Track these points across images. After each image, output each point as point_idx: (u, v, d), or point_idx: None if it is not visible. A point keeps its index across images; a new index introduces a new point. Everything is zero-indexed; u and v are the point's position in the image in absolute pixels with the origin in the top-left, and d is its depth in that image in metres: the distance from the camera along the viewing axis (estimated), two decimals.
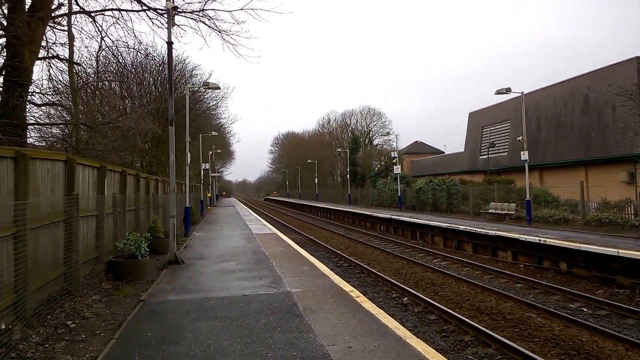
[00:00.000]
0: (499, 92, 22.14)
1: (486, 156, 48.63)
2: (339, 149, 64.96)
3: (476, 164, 50.33)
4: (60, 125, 14.33)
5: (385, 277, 14.48)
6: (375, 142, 67.82)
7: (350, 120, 72.17)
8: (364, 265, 16.73)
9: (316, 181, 65.63)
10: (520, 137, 22.89)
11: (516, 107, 45.28)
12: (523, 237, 16.29)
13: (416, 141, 73.19)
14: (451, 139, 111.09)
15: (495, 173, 45.23)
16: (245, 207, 56.69)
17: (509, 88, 21.72)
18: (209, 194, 49.29)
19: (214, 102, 35.91)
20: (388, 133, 44.13)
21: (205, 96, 34.14)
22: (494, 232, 18.09)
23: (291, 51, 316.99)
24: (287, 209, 63.16)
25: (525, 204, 22.62)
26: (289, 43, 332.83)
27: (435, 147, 77.05)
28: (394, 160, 40.41)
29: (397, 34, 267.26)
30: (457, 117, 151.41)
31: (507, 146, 46.16)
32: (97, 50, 15.95)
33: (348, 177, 52.96)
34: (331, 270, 12.18)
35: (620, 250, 12.49)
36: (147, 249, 10.61)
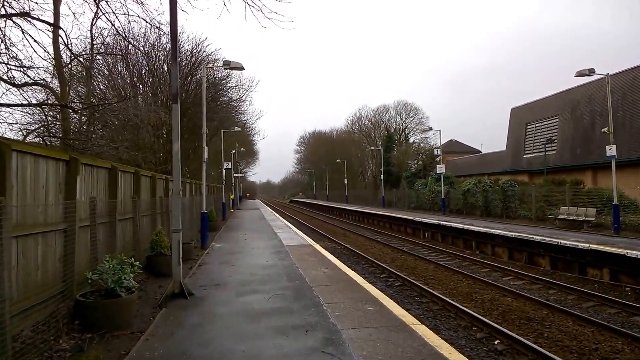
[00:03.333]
0: (580, 74, 18.49)
1: (531, 154, 44.48)
2: (372, 147, 61.17)
3: (520, 164, 46.15)
4: (36, 108, 11.24)
5: (456, 304, 11.03)
6: (411, 140, 63.82)
7: (384, 116, 68.09)
8: (423, 286, 13.27)
9: (345, 182, 62.10)
10: (607, 129, 19.00)
11: (565, 101, 41.23)
12: (633, 253, 12.51)
13: (451, 140, 68.95)
14: (488, 138, 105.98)
15: (539, 173, 41.11)
16: (271, 210, 53.57)
17: (593, 69, 18.01)
18: (232, 196, 46.32)
19: (237, 93, 32.65)
20: (430, 128, 40.10)
21: (228, 85, 30.92)
22: (587, 245, 14.32)
23: (321, 45, 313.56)
24: (315, 212, 59.82)
25: (612, 209, 18.64)
26: (318, 35, 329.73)
27: (471, 146, 72.73)
28: (437, 159, 36.58)
29: (432, 26, 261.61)
30: (494, 115, 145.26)
31: (555, 144, 41.87)
32: (92, 19, 12.80)
33: (382, 177, 49.21)
34: (386, 295, 8.93)
35: None
36: (135, 281, 7.33)
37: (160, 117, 18.54)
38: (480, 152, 67.94)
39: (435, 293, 12.31)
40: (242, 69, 16.19)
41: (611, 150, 18.64)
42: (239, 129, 34.61)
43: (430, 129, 39.79)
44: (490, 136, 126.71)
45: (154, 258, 11.35)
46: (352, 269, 12.20)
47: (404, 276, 14.81)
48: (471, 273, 15.52)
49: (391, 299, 8.77)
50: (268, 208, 58.06)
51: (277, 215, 40.38)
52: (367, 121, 70.89)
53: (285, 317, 7.21)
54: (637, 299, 11.64)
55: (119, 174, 9.97)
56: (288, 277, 10.47)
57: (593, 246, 14.03)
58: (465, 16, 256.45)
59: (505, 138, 50.65)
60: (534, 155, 44.13)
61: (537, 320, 9.95)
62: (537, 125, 45.11)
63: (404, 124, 66.17)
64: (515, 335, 8.62)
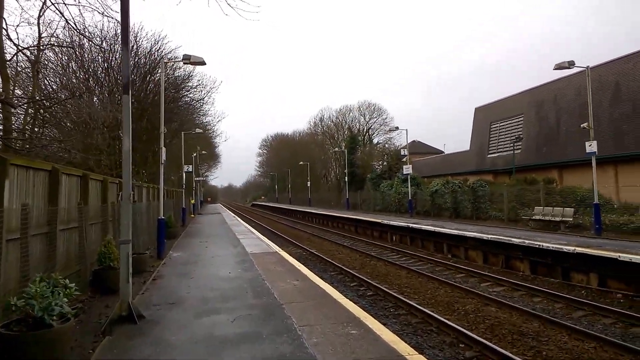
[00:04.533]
0: (559, 67, 18.10)
1: (496, 154, 44.66)
2: (335, 149, 60.17)
3: (484, 163, 46.28)
4: None
5: (438, 316, 10.06)
6: (375, 141, 63.19)
7: (348, 117, 67.22)
8: (398, 296, 12.26)
9: (308, 184, 60.92)
10: (586, 124, 18.60)
11: (530, 100, 41.40)
12: (626, 257, 11.88)
13: (414, 141, 68.80)
14: (450, 138, 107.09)
15: (503, 173, 41.23)
16: (233, 214, 51.75)
17: (572, 61, 17.59)
18: (193, 201, 44.31)
19: (198, 93, 30.98)
20: (397, 128, 39.31)
21: (189, 84, 29.24)
22: (572, 248, 13.66)
23: (282, 49, 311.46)
24: (278, 216, 58.40)
25: (593, 209, 18.07)
26: (279, 39, 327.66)
27: (434, 147, 73.03)
28: (404, 159, 35.90)
29: (391, 28, 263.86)
30: (456, 115, 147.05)
31: (520, 143, 42.10)
32: (39, 9, 11.26)
33: (346, 179, 48.29)
34: (369, 313, 7.84)
35: None
36: (71, 306, 5.89)
37: (116, 117, 16.99)
38: (443, 152, 68.22)
39: (413, 304, 11.32)
40: (203, 63, 14.80)
41: (591, 147, 18.23)
42: (201, 130, 32.97)
43: (397, 128, 39.22)
44: (453, 136, 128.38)
45: (102, 272, 9.87)
46: (323, 280, 11.00)
47: (377, 284, 13.78)
48: (447, 279, 14.70)
49: (375, 318, 7.66)
50: (230, 212, 56.16)
51: (239, 219, 38.77)
52: (330, 122, 70.01)
53: (253, 345, 5.96)
54: (631, 307, 10.96)
55: (62, 177, 8.55)
56: (254, 292, 9.18)
57: (579, 249, 13.38)
58: (429, 19, 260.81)
59: (469, 138, 50.85)
60: (498, 154, 44.28)
61: (531, 335, 9.06)
62: (501, 124, 45.28)
63: (367, 125, 65.61)
64: (512, 356, 7.67)
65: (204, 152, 46.00)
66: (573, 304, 11.36)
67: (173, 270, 12.33)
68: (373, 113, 65.37)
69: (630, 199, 24.04)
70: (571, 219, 20.16)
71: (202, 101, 32.19)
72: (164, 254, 15.25)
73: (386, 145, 57.95)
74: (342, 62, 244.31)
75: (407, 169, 32.38)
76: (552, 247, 14.25)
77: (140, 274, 11.54)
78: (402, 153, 36.61)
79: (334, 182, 67.40)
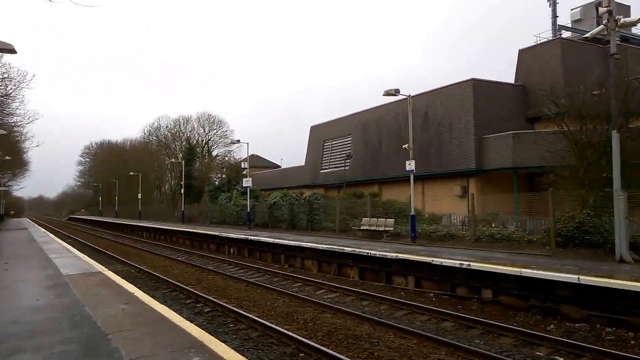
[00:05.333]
0: (387, 94, 19.87)
1: (328, 169, 47.38)
2: (172, 160, 57.23)
3: (318, 178, 48.87)
4: None
5: (278, 327, 10.02)
6: (214, 153, 61.76)
7: (186, 127, 64.44)
8: (237, 310, 11.94)
9: (139, 196, 56.85)
10: (407, 145, 20.61)
11: (357, 122, 45.13)
12: (438, 261, 13.34)
13: (253, 154, 69.21)
14: (287, 153, 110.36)
15: (334, 187, 44.22)
16: (44, 229, 45.42)
17: (398, 89, 19.58)
18: None
19: (3, 88, 26.54)
20: (238, 141, 38.80)
21: None
22: (394, 254, 14.92)
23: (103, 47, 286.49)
24: (102, 231, 53.19)
25: (410, 219, 20.18)
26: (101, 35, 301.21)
27: (271, 161, 74.40)
28: (244, 172, 35.70)
29: (235, 43, 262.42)
30: (293, 132, 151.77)
31: (349, 160, 45.37)
32: None
33: (182, 191, 46.21)
34: (213, 335, 7.33)
35: (581, 277, 10.13)
36: None
37: None
38: (280, 166, 69.91)
39: (253, 317, 11.10)
40: (13, 51, 12.60)
41: (410, 165, 20.27)
42: (4, 132, 28.28)
43: (238, 141, 38.90)
44: (289, 152, 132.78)
45: None
46: (156, 300, 10.10)
47: (215, 299, 13.25)
48: (286, 289, 14.84)
49: (216, 337, 7.20)
50: (40, 228, 49.11)
51: (53, 235, 34.13)
52: (166, 132, 66.53)
53: None
54: (441, 305, 12.31)
55: None
56: (71, 322, 7.79)
57: (400, 255, 14.66)
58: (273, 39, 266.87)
59: (305, 154, 53.17)
60: (330, 170, 47.02)
61: (364, 337, 9.50)
62: (333, 142, 48.36)
63: (207, 137, 63.94)
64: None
65: (8, 157, 39.63)
66: (395, 304, 12.35)
67: None
68: (213, 125, 64.05)
69: (434, 210, 27.67)
70: (392, 229, 22.18)
71: (7, 96, 27.64)
72: None
73: (226, 158, 57.21)
74: (180, 70, 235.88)
75: (247, 182, 32.28)
76: (379, 254, 15.40)
77: None
78: (243, 166, 36.47)
79: (168, 194, 64.06)
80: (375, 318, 10.87)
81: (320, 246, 18.53)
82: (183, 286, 15.47)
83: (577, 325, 9.93)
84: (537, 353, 8.49)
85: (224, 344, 6.55)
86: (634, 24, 14.31)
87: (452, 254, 15.22)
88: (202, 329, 7.50)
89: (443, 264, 13.08)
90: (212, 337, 6.86)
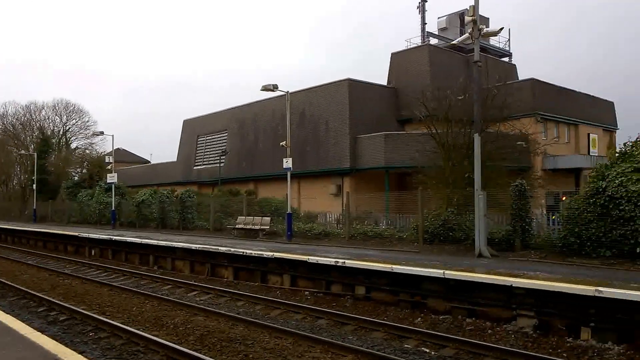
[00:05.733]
0: (265, 89, 19.48)
1: (201, 166, 45.91)
2: (22, 151, 50.50)
3: (191, 175, 47.08)
4: None
5: (145, 334, 9.29)
6: (73, 146, 55.83)
7: (39, 115, 57.14)
8: (98, 317, 10.86)
9: None
10: (285, 142, 20.50)
11: (234, 117, 44.26)
12: (313, 259, 13.46)
13: (119, 148, 64.27)
14: (158, 148, 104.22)
15: (207, 184, 43.07)
16: None
17: (276, 85, 19.31)
18: None
19: None
20: (102, 132, 35.29)
21: None
22: (271, 254, 14.76)
23: None
24: None
25: (286, 218, 20.14)
26: None
27: (140, 156, 69.97)
28: (109, 167, 32.85)
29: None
30: (165, 126, 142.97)
31: (225, 156, 44.38)
32: None
33: (34, 186, 41.18)
34: (61, 342, 6.52)
35: (446, 272, 10.89)
36: None
37: None
38: (149, 162, 66.19)
39: (116, 323, 10.16)
40: None
41: (287, 163, 20.23)
42: None
43: (102, 133, 35.53)
44: (160, 147, 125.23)
45: None
46: (1, 310, 8.75)
47: (72, 306, 11.91)
48: (155, 292, 13.97)
49: (76, 351, 6.38)
50: None
51: None
52: (14, 120, 58.63)
53: None
54: (316, 302, 12.40)
55: None
56: None
57: (277, 254, 14.54)
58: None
59: (177, 149, 50.81)
60: (204, 167, 45.53)
61: (238, 340, 9.16)
62: (208, 138, 46.84)
63: (65, 127, 57.55)
64: None
65: None
66: (271, 304, 12.19)
67: None
68: (72, 114, 57.79)
69: (310, 208, 28.12)
70: (268, 227, 22.06)
71: None
72: None
73: (87, 151, 52.27)
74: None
75: (112, 178, 29.80)
76: (255, 253, 15.14)
77: None
78: (107, 160, 33.57)
79: (17, 190, 56.66)
80: (250, 319, 10.61)
81: (193, 246, 17.73)
82: (34, 293, 13.71)
83: (441, 317, 10.60)
84: (406, 345, 8.89)
85: (81, 356, 5.82)
86: (495, 33, 15.94)
87: (327, 252, 15.51)
88: (57, 340, 6.63)
89: (319, 262, 13.23)
90: (68, 349, 6.08)
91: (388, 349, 8.63)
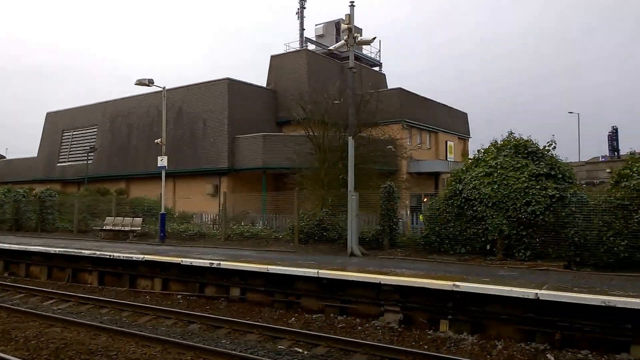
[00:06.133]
0: (140, 83, 18.30)
1: (66, 163, 42.14)
2: None
3: (53, 172, 42.93)
4: None
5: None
6: None
7: None
8: None
9: None
10: (160, 140, 19.46)
11: (105, 112, 41.18)
12: (187, 261, 13.03)
13: None
14: (14, 143, 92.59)
15: (72, 183, 40.09)
16: None
17: (152, 80, 18.26)
18: None
19: None
20: None
21: None
22: (141, 256, 13.99)
23: None
24: None
25: (159, 219, 19.17)
26: None
27: None
28: None
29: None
30: (26, 117, 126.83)
31: (93, 154, 41.06)
32: None
33: None
34: None
35: (320, 271, 11.21)
36: None
37: None
38: (4, 157, 59.24)
39: None
40: None
41: (163, 161, 19.31)
42: None
43: None
44: (18, 140, 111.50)
45: None
46: None
47: None
48: (3, 303, 12.43)
49: None
50: None
51: None
52: None
53: None
54: (188, 306, 12.02)
55: None
56: None
57: (148, 257, 13.83)
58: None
59: (38, 144, 45.91)
60: (69, 164, 41.87)
61: (100, 351, 8.52)
62: (74, 133, 43.19)
63: None
64: None
65: None
66: (139, 310, 11.55)
67: None
68: None
69: (186, 209, 27.34)
70: (139, 228, 20.97)
71: None
72: None
73: None
74: None
75: None
76: (123, 256, 14.26)
77: None
78: None
79: None
80: (115, 327, 9.93)
81: (51, 249, 16.15)
82: None
83: (315, 316, 10.86)
84: (280, 346, 8.96)
85: None
86: (368, 42, 16.80)
87: (202, 253, 15.14)
88: None
89: (193, 264, 12.86)
90: None
91: (261, 351, 8.63)
